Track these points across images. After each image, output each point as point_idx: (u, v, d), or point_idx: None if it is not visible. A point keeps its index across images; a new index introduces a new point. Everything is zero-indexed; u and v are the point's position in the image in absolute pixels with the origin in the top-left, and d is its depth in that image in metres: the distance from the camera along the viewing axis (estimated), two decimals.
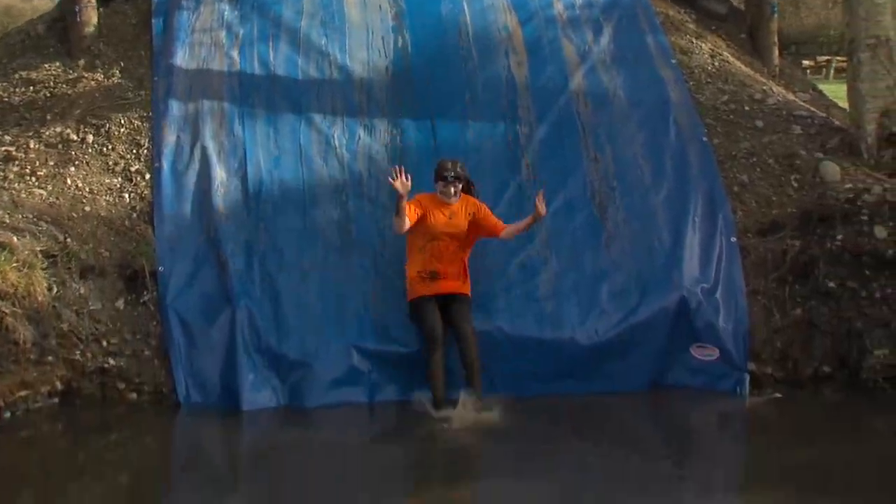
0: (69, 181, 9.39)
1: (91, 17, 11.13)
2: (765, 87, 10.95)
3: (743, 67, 11.32)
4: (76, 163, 9.55)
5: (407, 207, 8.25)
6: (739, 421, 8.56)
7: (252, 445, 7.52)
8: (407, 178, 8.17)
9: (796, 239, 9.17)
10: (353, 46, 10.73)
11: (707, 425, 8.44)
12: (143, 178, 9.53)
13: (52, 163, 9.50)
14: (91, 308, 8.63)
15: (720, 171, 9.73)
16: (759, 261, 9.20)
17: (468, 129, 10.02)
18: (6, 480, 6.94)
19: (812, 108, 10.85)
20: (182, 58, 10.50)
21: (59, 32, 11.29)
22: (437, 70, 10.55)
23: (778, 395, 8.62)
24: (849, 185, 9.25)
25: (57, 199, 9.21)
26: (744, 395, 8.66)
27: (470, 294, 8.53)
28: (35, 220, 8.81)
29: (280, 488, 6.59)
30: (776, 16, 12.34)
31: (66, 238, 8.77)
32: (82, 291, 8.66)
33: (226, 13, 10.97)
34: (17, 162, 9.49)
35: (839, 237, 8.91)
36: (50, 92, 10.41)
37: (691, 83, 10.66)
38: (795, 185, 9.67)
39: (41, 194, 9.22)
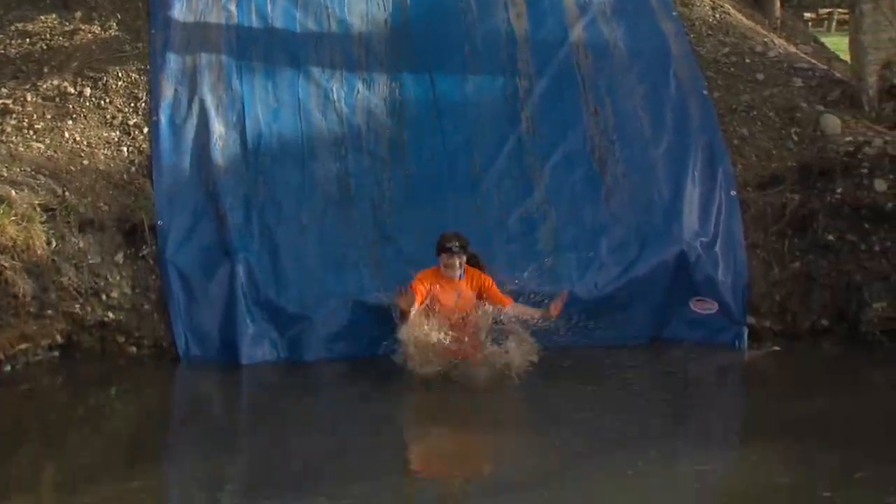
0: (67, 135, 9.35)
1: None
2: (766, 40, 10.87)
3: (744, 20, 11.24)
4: (74, 116, 9.51)
5: (415, 297, 7.72)
6: (738, 374, 8.60)
7: (251, 398, 7.54)
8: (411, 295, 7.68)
9: (796, 192, 9.16)
10: None
11: (706, 378, 8.46)
12: (141, 131, 9.49)
13: (49, 116, 9.45)
14: (90, 262, 8.62)
15: (720, 124, 9.70)
16: (759, 214, 9.19)
17: (467, 83, 9.98)
18: (7, 433, 6.97)
19: (813, 61, 10.78)
20: (179, 10, 10.40)
21: None
22: (436, 23, 10.47)
23: (776, 348, 8.66)
24: (849, 138, 9.21)
25: (55, 152, 9.17)
26: (742, 348, 8.69)
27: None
28: (33, 173, 8.78)
29: (279, 440, 6.61)
30: None
31: (64, 192, 8.74)
32: (81, 245, 8.65)
33: None
34: (14, 115, 9.44)
35: (839, 190, 8.90)
36: (46, 44, 10.32)
37: (692, 35, 10.59)
38: (795, 138, 9.63)
39: (39, 148, 9.18)
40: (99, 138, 9.38)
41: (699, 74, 10.09)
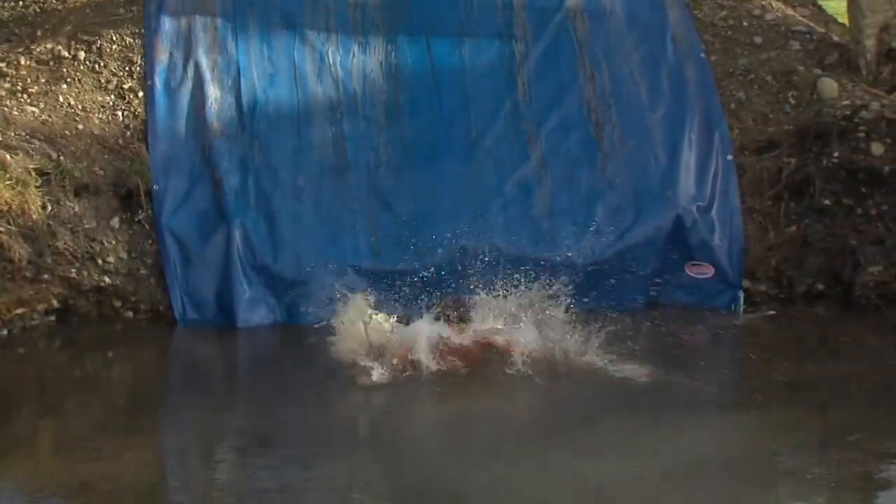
0: (61, 98, 9.30)
1: None
2: (763, 3, 10.78)
3: None
4: (68, 80, 9.44)
5: None
6: (733, 338, 8.61)
7: (248, 361, 7.57)
8: None
9: (792, 156, 9.14)
10: None
11: (701, 342, 8.47)
12: (136, 95, 9.44)
13: (43, 80, 9.39)
14: (86, 226, 8.62)
15: (717, 88, 9.66)
16: (755, 179, 9.19)
17: (463, 47, 9.90)
18: (4, 396, 6.99)
19: (811, 24, 10.69)
20: None
21: None
22: None
23: (772, 312, 8.67)
24: (846, 102, 9.18)
25: (49, 116, 9.13)
26: (738, 312, 8.72)
27: None
28: (28, 137, 8.74)
29: (275, 403, 6.63)
30: None
31: (59, 156, 8.72)
32: (77, 210, 8.64)
33: None
34: (7, 78, 9.37)
35: (835, 154, 8.88)
36: (40, 7, 10.23)
37: None
38: (793, 101, 9.59)
39: (33, 112, 9.13)
40: (94, 102, 9.34)
41: (696, 38, 10.03)
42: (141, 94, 9.42)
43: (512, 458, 5.76)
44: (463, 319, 7.40)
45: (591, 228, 8.95)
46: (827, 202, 8.89)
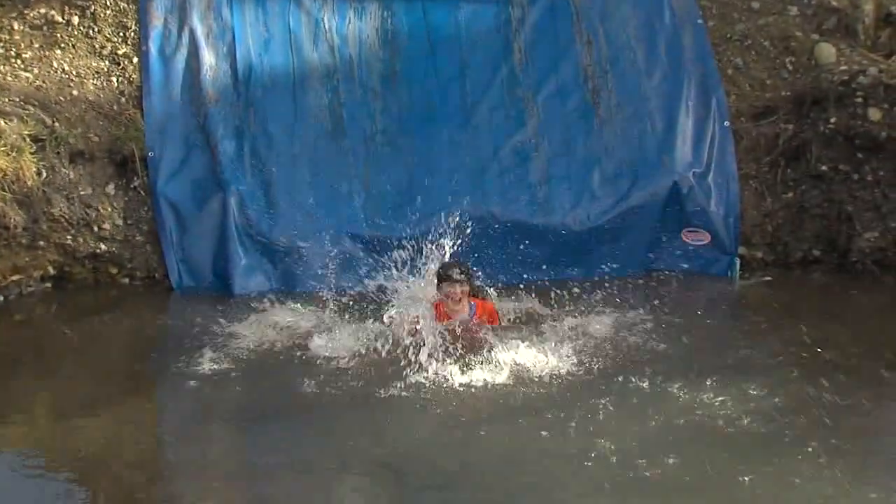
0: (55, 64, 9.25)
1: None
2: None
3: None
4: (62, 45, 9.38)
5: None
6: (730, 304, 8.61)
7: (244, 328, 7.53)
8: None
9: (789, 122, 9.14)
10: None
11: (698, 309, 8.45)
12: (131, 61, 9.39)
13: (37, 45, 9.33)
14: (81, 193, 8.60)
15: (714, 53, 9.62)
16: (752, 145, 9.19)
17: (459, 12, 9.84)
18: (2, 362, 7.00)
19: None
20: None
21: None
22: None
23: (768, 278, 8.68)
24: (844, 67, 9.16)
25: (43, 82, 9.08)
26: (734, 278, 8.73)
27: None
28: (22, 103, 8.70)
29: (272, 371, 6.63)
30: None
31: (54, 122, 8.68)
32: (72, 176, 8.61)
33: None
34: (1, 44, 9.31)
35: (832, 120, 8.87)
36: None
37: None
38: (790, 67, 9.57)
39: (27, 77, 9.08)
40: (88, 68, 9.29)
41: (694, 4, 9.97)
42: (135, 60, 9.38)
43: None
44: (465, 273, 7.10)
45: (588, 195, 8.93)
46: (824, 168, 8.89)
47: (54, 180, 8.49)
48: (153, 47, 9.39)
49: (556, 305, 7.70)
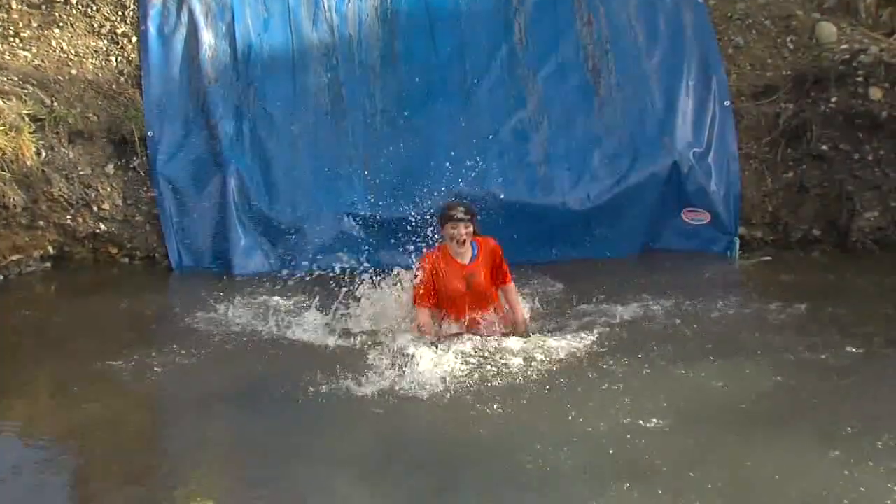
0: (54, 43, 9.23)
1: None
2: None
3: None
4: (60, 24, 9.37)
5: (422, 296, 6.71)
6: (729, 283, 8.59)
7: (244, 308, 7.53)
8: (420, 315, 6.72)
9: (790, 102, 9.12)
10: None
11: (697, 288, 8.43)
12: (130, 41, 9.37)
13: (35, 24, 9.32)
14: (80, 173, 8.60)
15: (715, 33, 9.59)
16: (753, 124, 9.17)
17: None
18: (2, 340, 7.02)
19: None
20: None
21: None
22: None
23: (768, 257, 8.67)
24: (845, 46, 9.15)
25: (42, 61, 9.07)
26: (734, 258, 8.73)
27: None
28: (20, 82, 8.70)
29: (270, 351, 6.64)
30: None
31: (52, 102, 8.67)
32: (71, 156, 8.61)
33: None
34: None
35: (833, 99, 8.85)
36: None
37: None
38: (791, 46, 9.55)
39: (26, 56, 9.07)
40: (87, 47, 9.27)
41: None
42: (134, 39, 9.36)
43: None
44: (469, 212, 6.67)
45: (588, 175, 8.92)
46: (824, 147, 8.87)
47: (53, 160, 8.49)
48: (152, 26, 9.38)
49: (554, 285, 7.70)
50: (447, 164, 8.81)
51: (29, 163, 8.25)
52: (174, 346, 6.63)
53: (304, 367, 6.27)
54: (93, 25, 9.42)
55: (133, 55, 9.29)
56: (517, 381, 6.10)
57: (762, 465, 4.90)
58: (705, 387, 5.95)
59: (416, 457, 5.23)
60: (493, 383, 6.07)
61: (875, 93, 8.74)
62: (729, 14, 9.81)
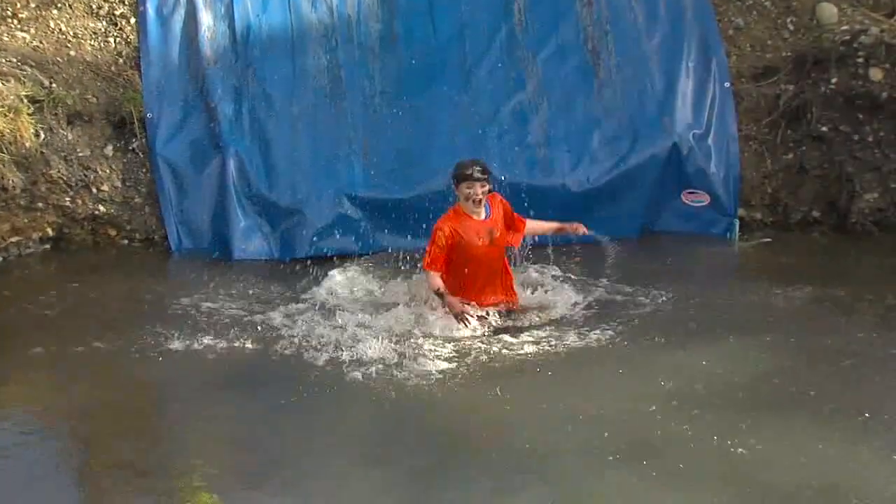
0: (52, 24, 9.20)
1: None
2: None
3: None
4: (59, 5, 9.32)
5: (436, 259, 6.63)
6: (729, 265, 8.61)
7: (243, 289, 7.54)
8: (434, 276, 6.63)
9: (790, 83, 9.10)
10: None
11: (697, 270, 8.46)
12: (128, 22, 9.34)
13: (33, 5, 9.26)
14: (79, 154, 8.58)
15: (715, 14, 9.55)
16: (752, 106, 9.16)
17: None
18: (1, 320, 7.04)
19: None
20: None
21: None
22: None
23: (767, 239, 8.67)
24: (846, 27, 9.11)
25: (41, 42, 9.04)
26: (733, 239, 8.73)
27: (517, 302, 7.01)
28: (19, 64, 8.67)
29: (269, 333, 6.64)
30: None
31: (51, 83, 8.65)
32: (70, 138, 8.60)
33: None
34: None
35: (833, 80, 8.84)
36: None
37: None
38: (791, 27, 9.52)
39: (24, 38, 9.04)
40: (85, 28, 9.24)
41: None
42: (133, 20, 9.33)
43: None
44: (485, 171, 6.59)
45: (587, 157, 8.91)
46: (824, 129, 8.86)
47: (52, 142, 8.48)
48: (150, 8, 9.33)
49: (552, 267, 7.71)
50: (447, 145, 8.81)
51: (28, 144, 8.24)
52: (173, 329, 6.63)
53: (304, 350, 6.30)
54: (91, 6, 9.37)
55: (132, 36, 9.26)
56: (516, 362, 6.12)
57: (761, 448, 4.92)
58: (705, 369, 5.96)
59: (415, 438, 5.26)
60: (492, 365, 6.09)
61: (875, 74, 8.72)
62: None
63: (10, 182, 8.11)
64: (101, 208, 8.62)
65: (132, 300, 7.44)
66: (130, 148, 8.81)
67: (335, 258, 8.10)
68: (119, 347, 6.41)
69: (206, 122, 8.93)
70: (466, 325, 6.42)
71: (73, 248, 8.52)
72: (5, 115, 8.13)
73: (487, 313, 6.67)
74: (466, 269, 6.64)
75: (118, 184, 8.70)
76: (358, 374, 5.88)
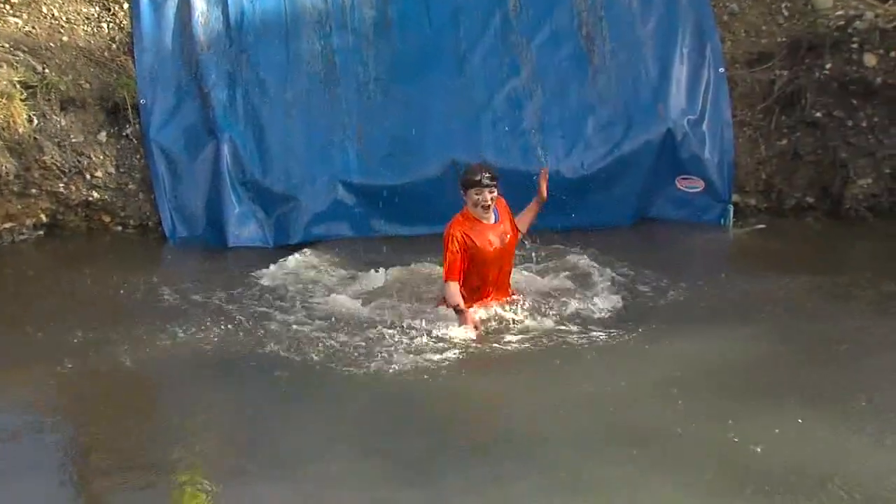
0: (45, 9, 9.16)
1: None
2: None
3: None
4: None
5: (457, 269, 6.51)
6: (723, 252, 8.61)
7: (237, 275, 7.53)
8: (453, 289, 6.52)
9: (784, 69, 9.09)
10: None
11: (691, 256, 8.47)
12: (122, 7, 9.30)
13: None
14: (73, 141, 8.57)
15: None
16: (747, 92, 9.16)
17: None
18: None
19: None
20: None
21: None
22: None
23: (761, 225, 8.68)
24: (840, 12, 9.11)
25: (33, 28, 9.00)
26: (727, 225, 8.74)
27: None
28: (11, 49, 8.64)
29: (266, 318, 6.64)
30: None
31: (44, 69, 8.62)
32: (63, 124, 8.57)
33: None
34: None
35: (828, 66, 8.84)
36: None
37: None
38: (786, 13, 9.51)
39: (16, 23, 9.00)
40: (78, 14, 9.21)
41: None
42: (126, 5, 9.29)
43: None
44: (494, 177, 6.52)
45: (582, 143, 8.90)
46: (818, 115, 8.86)
47: (46, 127, 8.46)
48: None
49: (548, 254, 7.70)
50: (441, 131, 8.81)
51: (21, 130, 8.22)
52: (167, 317, 6.63)
53: (300, 338, 6.28)
54: None
55: (125, 22, 9.22)
56: (512, 351, 6.12)
57: (755, 433, 4.91)
58: (699, 356, 5.97)
59: (411, 423, 5.26)
60: (489, 354, 6.09)
61: (870, 59, 8.72)
62: None
63: (4, 168, 8.09)
64: (95, 194, 8.60)
65: (126, 288, 7.41)
66: (124, 134, 8.79)
67: (329, 244, 8.11)
68: (113, 335, 6.38)
69: (200, 107, 8.90)
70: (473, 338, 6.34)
71: (66, 234, 8.51)
72: None
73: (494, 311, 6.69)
74: (477, 272, 6.61)
75: (112, 170, 8.68)
76: (357, 364, 5.87)
